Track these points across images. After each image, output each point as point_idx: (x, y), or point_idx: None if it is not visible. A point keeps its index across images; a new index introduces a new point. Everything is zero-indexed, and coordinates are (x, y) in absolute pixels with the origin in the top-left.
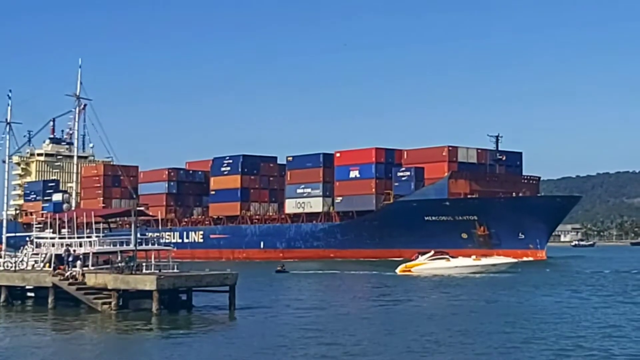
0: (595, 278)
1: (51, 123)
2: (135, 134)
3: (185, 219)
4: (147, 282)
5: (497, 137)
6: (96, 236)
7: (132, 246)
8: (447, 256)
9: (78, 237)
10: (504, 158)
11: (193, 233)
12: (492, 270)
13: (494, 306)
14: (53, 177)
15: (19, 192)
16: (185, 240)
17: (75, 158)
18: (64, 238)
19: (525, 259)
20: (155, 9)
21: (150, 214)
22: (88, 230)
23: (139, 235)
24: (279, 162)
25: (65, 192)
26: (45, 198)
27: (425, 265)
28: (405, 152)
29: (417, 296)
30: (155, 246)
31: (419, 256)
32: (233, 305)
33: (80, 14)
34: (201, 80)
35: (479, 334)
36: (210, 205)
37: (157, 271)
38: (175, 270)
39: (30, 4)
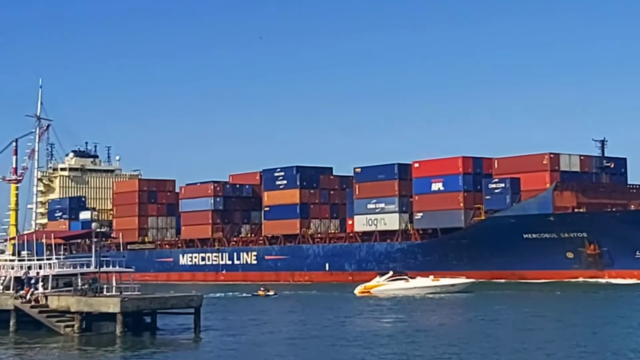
0: None
1: (14, 144)
2: (167, 145)
3: (235, 238)
4: (110, 304)
5: (602, 141)
6: (56, 258)
7: (93, 268)
8: (406, 277)
9: (38, 260)
10: (612, 165)
11: (245, 254)
12: (450, 291)
13: None
14: (78, 194)
15: (42, 210)
16: (236, 262)
17: (35, 179)
18: (24, 260)
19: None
20: (183, 20)
21: (113, 235)
22: (48, 253)
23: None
24: (335, 173)
25: (93, 209)
26: (72, 216)
27: (384, 286)
28: (495, 161)
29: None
30: (117, 268)
31: (378, 277)
32: (198, 328)
33: (97, 22)
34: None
35: None
36: (265, 222)
37: (119, 293)
38: (137, 293)
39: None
